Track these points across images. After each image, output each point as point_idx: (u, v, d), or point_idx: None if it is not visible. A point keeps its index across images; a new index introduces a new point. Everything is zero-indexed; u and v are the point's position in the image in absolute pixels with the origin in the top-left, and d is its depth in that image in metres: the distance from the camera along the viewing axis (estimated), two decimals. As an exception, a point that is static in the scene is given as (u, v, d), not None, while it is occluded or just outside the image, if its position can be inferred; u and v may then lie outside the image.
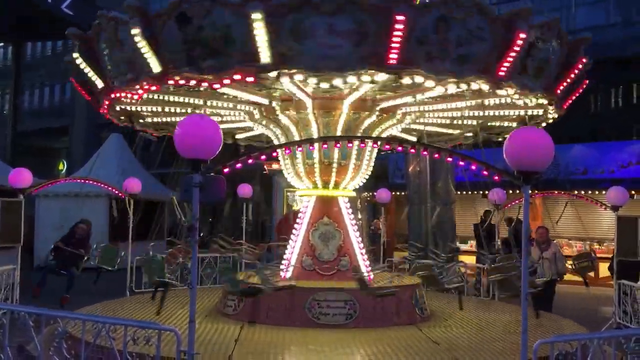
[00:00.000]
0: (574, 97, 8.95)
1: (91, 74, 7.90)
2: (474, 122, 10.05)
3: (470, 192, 18.21)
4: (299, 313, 8.14)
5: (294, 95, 8.16)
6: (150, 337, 5.00)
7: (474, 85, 6.68)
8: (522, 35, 6.50)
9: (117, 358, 4.99)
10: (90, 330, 5.25)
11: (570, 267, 10.32)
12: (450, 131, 11.00)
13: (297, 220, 9.61)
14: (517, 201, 13.43)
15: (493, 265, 9.07)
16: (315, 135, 8.77)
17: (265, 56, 6.23)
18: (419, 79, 6.35)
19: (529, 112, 9.06)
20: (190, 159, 4.84)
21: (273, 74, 6.31)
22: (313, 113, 8.65)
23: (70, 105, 28.75)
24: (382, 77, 6.52)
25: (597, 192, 16.24)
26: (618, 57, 28.01)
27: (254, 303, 8.40)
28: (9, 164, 19.41)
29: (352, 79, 6.55)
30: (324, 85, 7.04)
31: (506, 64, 6.52)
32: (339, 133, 8.68)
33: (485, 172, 5.02)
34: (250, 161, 5.11)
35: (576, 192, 15.52)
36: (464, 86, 6.70)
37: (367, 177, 9.73)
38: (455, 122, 10.15)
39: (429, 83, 6.54)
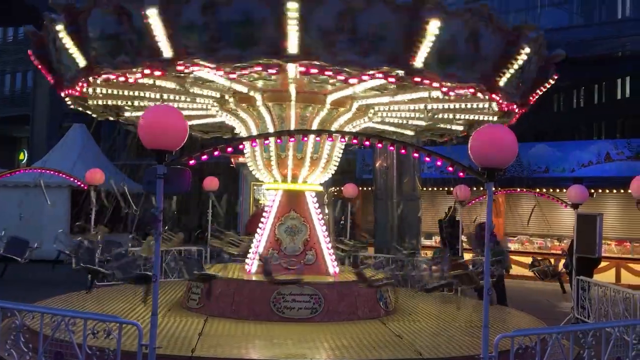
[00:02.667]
0: (540, 91, 8.96)
1: (45, 71, 7.86)
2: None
3: (436, 189, 18.42)
4: (263, 307, 8.11)
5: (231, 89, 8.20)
6: (111, 330, 4.91)
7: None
8: (436, 23, 6.39)
9: (77, 351, 4.89)
10: (49, 323, 5.13)
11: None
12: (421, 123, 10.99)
13: (264, 214, 9.58)
14: (480, 197, 13.64)
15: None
16: (270, 129, 8.79)
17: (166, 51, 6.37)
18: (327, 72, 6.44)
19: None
20: (154, 150, 4.76)
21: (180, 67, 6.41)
22: (264, 106, 8.65)
23: (32, 94, 28.05)
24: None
25: (558, 190, 16.59)
26: (580, 57, 28.58)
27: (218, 297, 8.35)
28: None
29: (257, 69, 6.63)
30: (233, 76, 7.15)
31: (419, 53, 6.47)
32: (292, 126, 8.69)
33: (450, 168, 5.08)
34: (216, 153, 5.06)
35: (538, 189, 15.83)
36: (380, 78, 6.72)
37: (332, 171, 9.74)
38: (419, 115, 10.17)
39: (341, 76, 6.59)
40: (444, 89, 7.33)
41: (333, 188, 18.41)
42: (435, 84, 7.13)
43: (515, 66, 7.52)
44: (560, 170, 18.84)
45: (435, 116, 9.82)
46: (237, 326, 7.66)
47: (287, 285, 7.98)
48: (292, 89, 8.37)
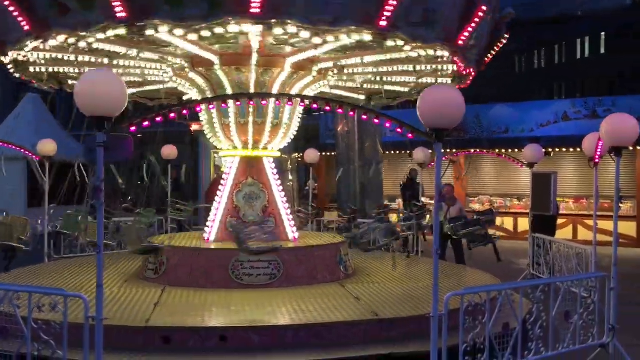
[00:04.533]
0: (493, 52, 9.04)
1: None
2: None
3: (397, 152, 18.50)
4: (222, 274, 8.07)
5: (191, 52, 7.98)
6: (57, 303, 4.81)
7: (356, 37, 6.65)
8: None
9: (22, 326, 4.79)
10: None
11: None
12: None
13: (221, 182, 9.48)
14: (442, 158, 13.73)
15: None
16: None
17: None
18: (291, 29, 6.30)
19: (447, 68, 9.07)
20: (93, 117, 4.59)
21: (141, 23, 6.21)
22: (222, 70, 8.45)
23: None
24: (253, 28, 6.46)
25: (517, 150, 16.82)
26: (541, 18, 28.72)
27: (176, 266, 8.28)
28: None
29: (219, 29, 6.46)
30: (193, 37, 6.95)
31: (387, 13, 6.42)
32: (252, 91, 8.53)
33: (399, 130, 5.04)
34: (158, 119, 4.91)
35: (497, 150, 16.04)
36: (344, 38, 6.65)
37: (292, 137, 9.64)
38: (383, 78, 10.10)
39: (304, 34, 6.47)
40: (410, 50, 7.36)
41: (296, 154, 18.35)
42: (404, 45, 7.16)
43: (473, 25, 7.55)
44: (520, 131, 19.09)
45: (386, 79, 9.79)
46: (195, 295, 7.61)
47: (263, 254, 7.73)
48: (254, 53, 8.16)
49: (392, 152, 18.42)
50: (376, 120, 5.09)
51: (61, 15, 6.45)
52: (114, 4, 6.09)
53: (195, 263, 8.21)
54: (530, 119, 19.26)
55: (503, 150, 16.12)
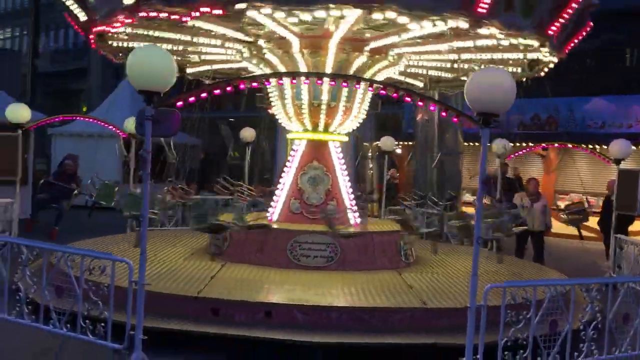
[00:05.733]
0: (575, 41, 8.63)
1: (74, 7, 7.89)
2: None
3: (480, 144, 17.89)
4: (280, 254, 8.22)
5: (276, 33, 8.02)
6: (105, 267, 5.10)
7: (452, 23, 6.43)
8: None
9: (75, 286, 5.13)
10: (52, 259, 5.38)
11: (562, 217, 10.23)
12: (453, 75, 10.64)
13: (287, 164, 9.61)
14: (521, 152, 13.20)
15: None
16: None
17: None
18: (391, 14, 6.15)
19: (527, 56, 8.71)
20: (142, 91, 4.79)
21: (241, 6, 6.17)
22: (300, 53, 8.49)
23: (88, 47, 28.81)
24: (352, 12, 6.35)
25: (611, 147, 15.74)
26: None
27: (238, 243, 8.51)
28: (28, 105, 19.69)
29: (320, 13, 6.39)
30: (292, 20, 6.91)
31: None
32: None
33: (444, 114, 4.88)
34: (203, 95, 5.05)
35: (590, 145, 15.11)
36: (441, 24, 6.45)
37: (360, 121, 9.58)
38: (454, 65, 9.84)
39: (403, 19, 6.33)
40: (501, 37, 7.27)
41: (377, 142, 18.20)
42: (497, 32, 7.05)
43: (566, 15, 7.33)
44: (617, 126, 17.84)
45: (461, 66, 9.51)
46: (251, 272, 7.80)
47: (351, 237, 7.98)
48: (337, 36, 8.15)
49: (476, 143, 17.84)
50: (420, 103, 4.96)
51: None
52: None
53: (255, 241, 8.40)
54: (631, 114, 17.95)
55: (592, 146, 15.14)
